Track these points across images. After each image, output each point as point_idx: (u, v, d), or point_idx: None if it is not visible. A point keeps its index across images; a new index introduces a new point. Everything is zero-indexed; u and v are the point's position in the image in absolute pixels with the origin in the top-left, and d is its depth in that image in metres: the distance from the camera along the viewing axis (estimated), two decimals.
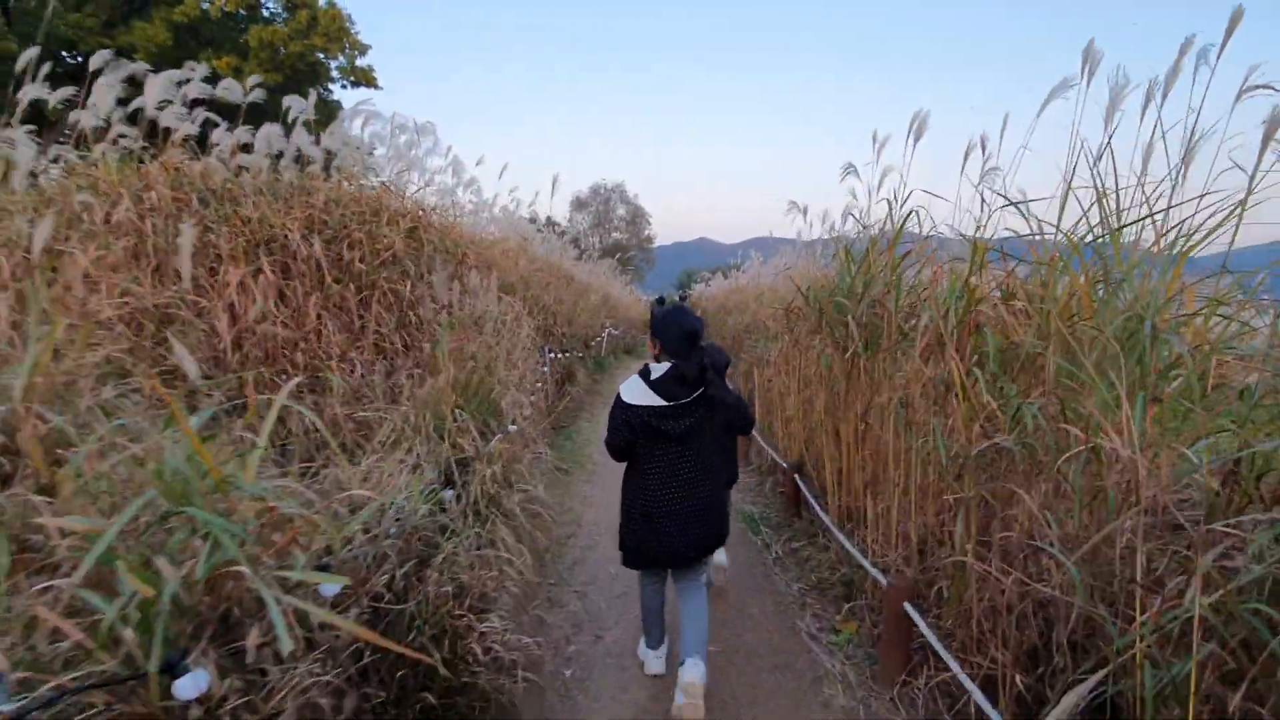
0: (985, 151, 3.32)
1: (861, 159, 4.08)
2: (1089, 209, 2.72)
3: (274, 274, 4.52)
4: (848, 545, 3.15)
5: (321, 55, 20.69)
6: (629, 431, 2.57)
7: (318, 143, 5.77)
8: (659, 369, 2.61)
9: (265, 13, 20.53)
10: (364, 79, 21.75)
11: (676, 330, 2.62)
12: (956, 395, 2.64)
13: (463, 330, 4.81)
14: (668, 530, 2.55)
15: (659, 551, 2.59)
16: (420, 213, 6.89)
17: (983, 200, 3.23)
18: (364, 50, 21.46)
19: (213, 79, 5.11)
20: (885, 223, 3.79)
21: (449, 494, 2.91)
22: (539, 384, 6.26)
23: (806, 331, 4.69)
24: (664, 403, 2.55)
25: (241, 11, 19.72)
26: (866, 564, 2.92)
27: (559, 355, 7.74)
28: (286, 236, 4.68)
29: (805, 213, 7.28)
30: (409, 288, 5.16)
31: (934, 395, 2.77)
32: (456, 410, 3.30)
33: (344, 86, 21.96)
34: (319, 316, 4.57)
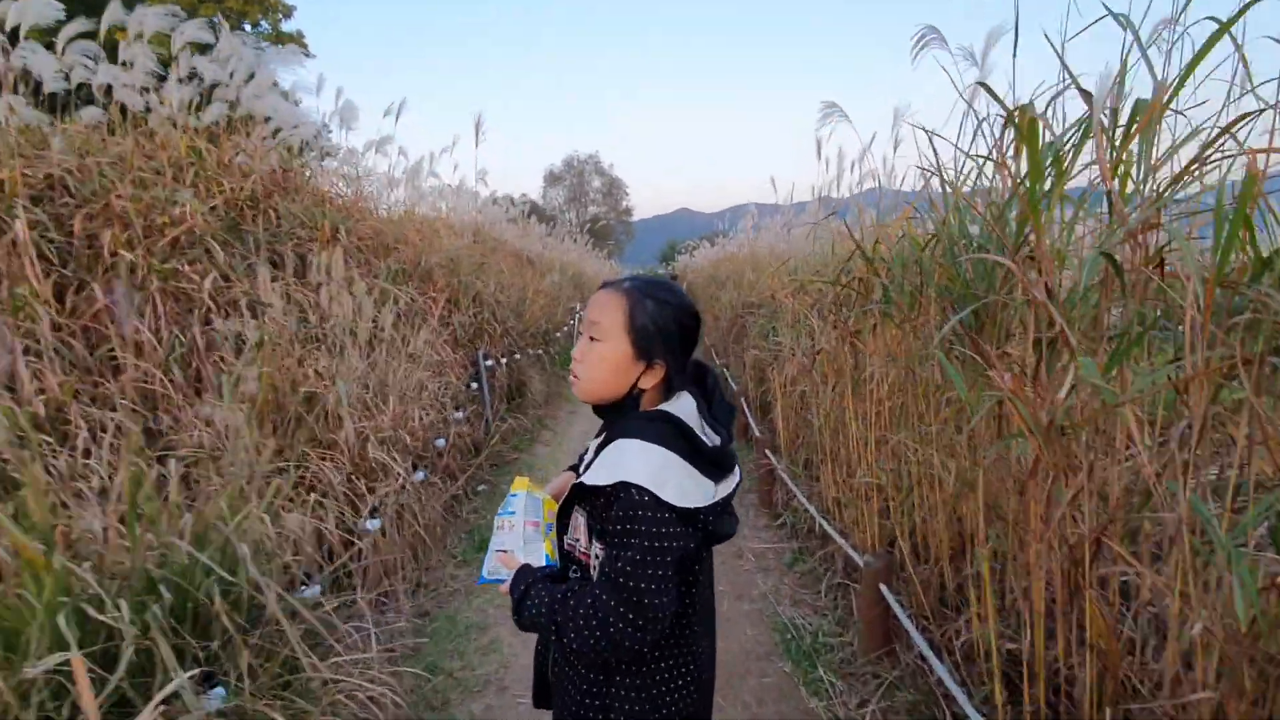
0: None
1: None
2: None
3: None
4: None
5: (244, 21, 18.16)
6: (680, 573, 1.05)
7: None
8: (687, 412, 1.11)
9: None
10: (292, 45, 19.24)
11: (687, 322, 1.14)
12: None
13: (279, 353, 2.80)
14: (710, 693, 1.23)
15: None
16: (279, 172, 4.82)
17: None
18: (288, 12, 18.91)
19: None
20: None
21: None
22: (458, 412, 4.26)
23: (887, 318, 2.72)
24: (718, 495, 1.08)
25: None
26: None
27: (501, 361, 5.73)
28: None
29: (829, 146, 5.27)
30: (207, 284, 3.12)
31: None
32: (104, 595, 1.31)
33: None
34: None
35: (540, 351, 7.43)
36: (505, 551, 1.15)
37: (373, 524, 2.54)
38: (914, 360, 2.39)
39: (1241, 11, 1.28)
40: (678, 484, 1.02)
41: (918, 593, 2.43)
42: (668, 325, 1.10)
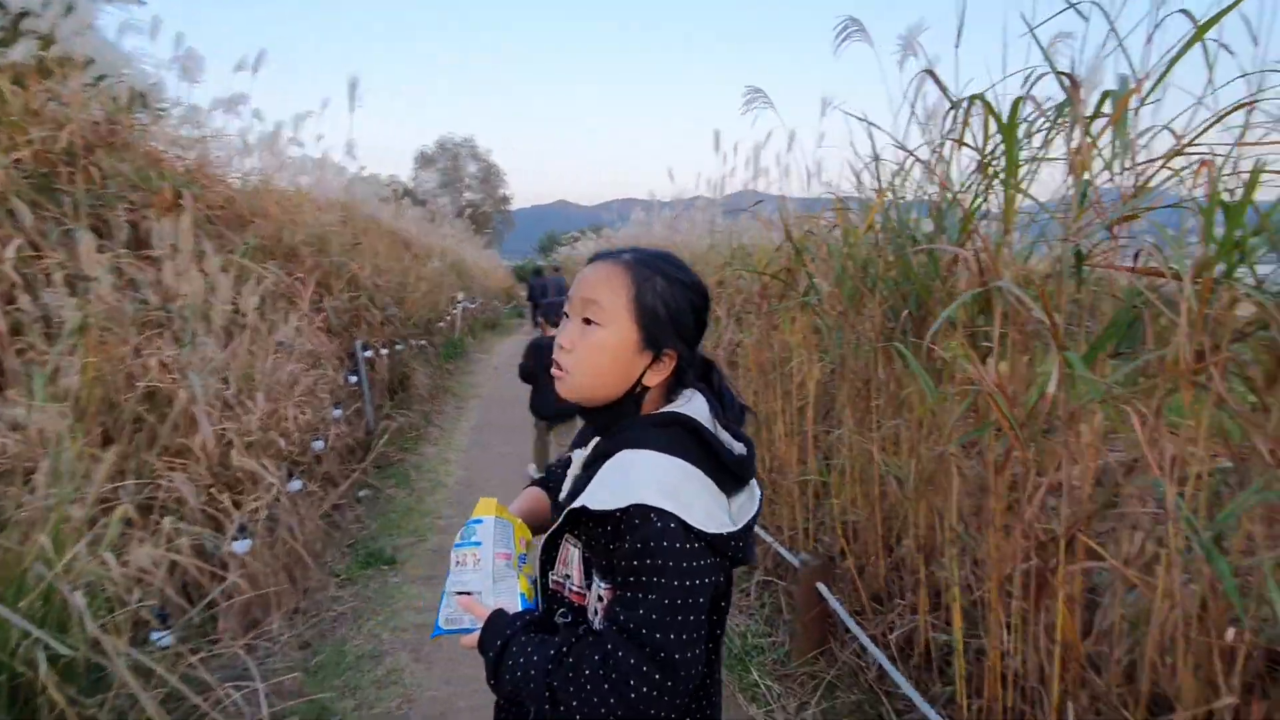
0: None
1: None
2: None
3: None
4: None
5: None
6: (707, 618, 0.81)
7: None
8: (701, 414, 0.88)
9: None
10: None
11: (700, 304, 0.92)
12: None
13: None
14: None
15: None
16: (103, 125, 4.00)
17: None
18: None
19: None
20: None
21: None
22: (337, 409, 3.76)
23: (808, 309, 2.67)
24: (741, 514, 0.87)
25: None
26: None
27: (382, 352, 5.20)
28: None
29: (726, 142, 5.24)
30: (10, 253, 2.46)
31: None
32: None
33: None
34: None
35: (424, 342, 6.88)
36: (468, 594, 0.89)
37: (241, 546, 2.10)
38: (850, 354, 2.34)
39: (1224, 12, 1.28)
40: (704, 505, 0.82)
41: (855, 590, 2.40)
42: (681, 308, 0.89)
